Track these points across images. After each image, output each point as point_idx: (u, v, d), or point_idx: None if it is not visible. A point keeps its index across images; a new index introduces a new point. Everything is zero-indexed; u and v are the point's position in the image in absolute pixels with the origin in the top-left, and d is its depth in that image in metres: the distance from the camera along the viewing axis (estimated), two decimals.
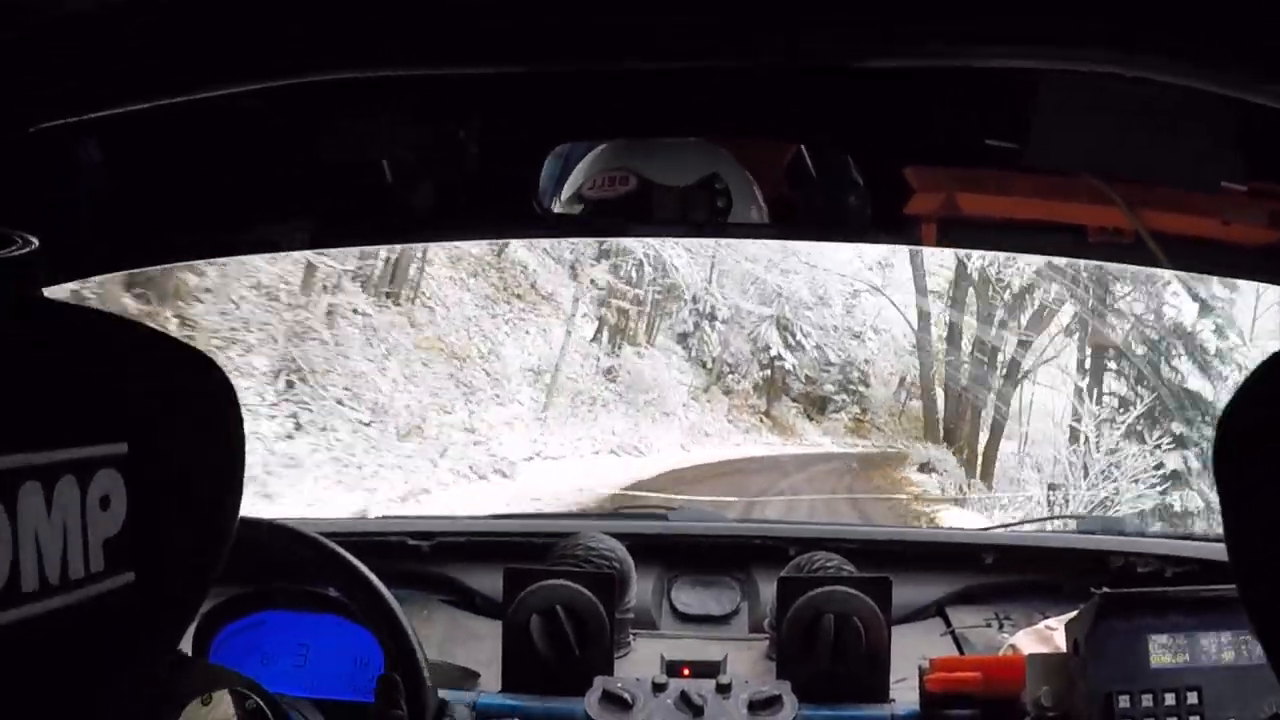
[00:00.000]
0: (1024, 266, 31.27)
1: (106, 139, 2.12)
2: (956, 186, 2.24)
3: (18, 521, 0.75)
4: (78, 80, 1.54)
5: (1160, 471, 25.35)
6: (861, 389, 42.21)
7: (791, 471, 31.44)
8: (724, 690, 2.45)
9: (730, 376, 39.21)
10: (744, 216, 2.38)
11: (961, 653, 2.97)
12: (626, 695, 2.43)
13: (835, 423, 41.04)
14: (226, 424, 1.01)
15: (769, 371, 39.65)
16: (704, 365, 38.20)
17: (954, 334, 36.95)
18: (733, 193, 2.36)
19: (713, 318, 38.05)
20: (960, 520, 26.70)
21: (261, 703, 1.94)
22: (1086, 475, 26.60)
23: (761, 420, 39.12)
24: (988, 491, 32.19)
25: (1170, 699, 2.25)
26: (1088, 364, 31.39)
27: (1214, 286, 24.24)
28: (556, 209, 2.41)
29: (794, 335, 39.36)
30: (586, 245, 28.88)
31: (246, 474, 1.09)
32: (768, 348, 39.19)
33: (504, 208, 2.44)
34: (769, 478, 29.47)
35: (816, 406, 41.46)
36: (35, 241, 1.38)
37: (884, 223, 2.33)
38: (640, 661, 2.88)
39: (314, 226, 2.49)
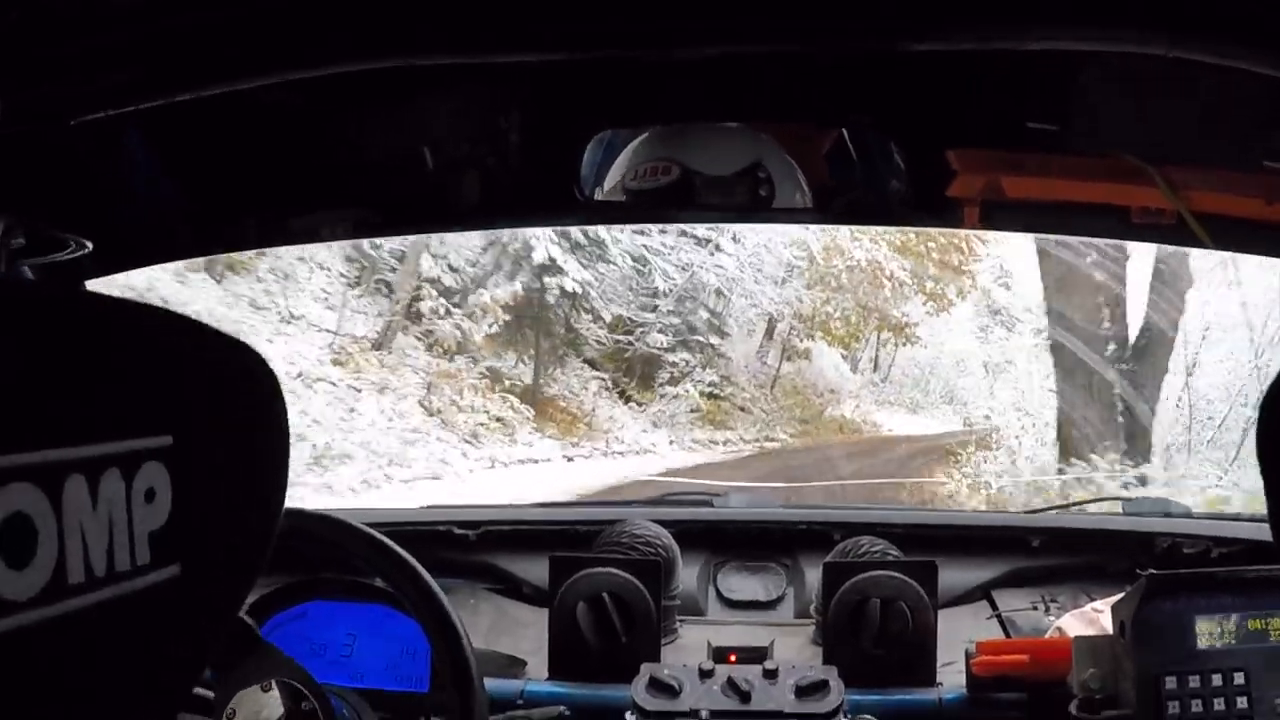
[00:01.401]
0: None
1: (151, 132, 2.14)
2: (999, 169, 2.24)
3: (63, 515, 0.75)
4: (116, 73, 1.55)
5: None
6: (714, 341, 25.59)
7: None
8: (771, 675, 2.45)
9: (446, 317, 20.36)
10: (788, 202, 2.37)
11: (1008, 636, 2.96)
12: (674, 682, 2.43)
13: (674, 404, 24.23)
14: (271, 416, 1.02)
15: (534, 302, 21.64)
16: (385, 287, 20.61)
17: None
18: (776, 179, 2.35)
19: None
20: None
21: (308, 693, 1.95)
22: None
23: (519, 405, 20.82)
24: None
25: (1217, 679, 2.25)
26: None
27: None
28: (598, 196, 2.41)
29: (585, 233, 21.03)
30: None
31: None
32: (527, 254, 20.71)
33: (546, 195, 2.45)
34: None
35: (636, 375, 24.26)
36: (89, 245, 1.39)
37: (927, 206, 2.33)
38: (687, 648, 2.89)
39: (356, 216, 2.51)
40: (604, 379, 24.03)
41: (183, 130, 2.14)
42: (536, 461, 20.20)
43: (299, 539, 2.16)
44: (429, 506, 3.76)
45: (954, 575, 3.07)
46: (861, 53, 2.03)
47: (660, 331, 24.54)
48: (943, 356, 29.42)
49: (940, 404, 29.86)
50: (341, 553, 2.23)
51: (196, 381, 0.93)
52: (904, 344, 28.75)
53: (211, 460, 0.93)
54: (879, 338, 29.33)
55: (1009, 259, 24.50)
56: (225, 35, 1.52)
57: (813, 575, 3.09)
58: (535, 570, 3.11)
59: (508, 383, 21.50)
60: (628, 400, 24.25)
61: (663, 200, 2.34)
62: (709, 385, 25.45)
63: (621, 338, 24.20)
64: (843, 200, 2.46)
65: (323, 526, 2.19)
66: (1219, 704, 2.24)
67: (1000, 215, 2.35)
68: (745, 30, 1.55)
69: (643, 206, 2.40)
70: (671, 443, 23.78)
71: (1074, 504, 5.30)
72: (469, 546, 3.28)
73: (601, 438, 22.57)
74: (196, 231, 2.49)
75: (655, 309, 24.38)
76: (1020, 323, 25.66)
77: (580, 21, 1.52)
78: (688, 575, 3.15)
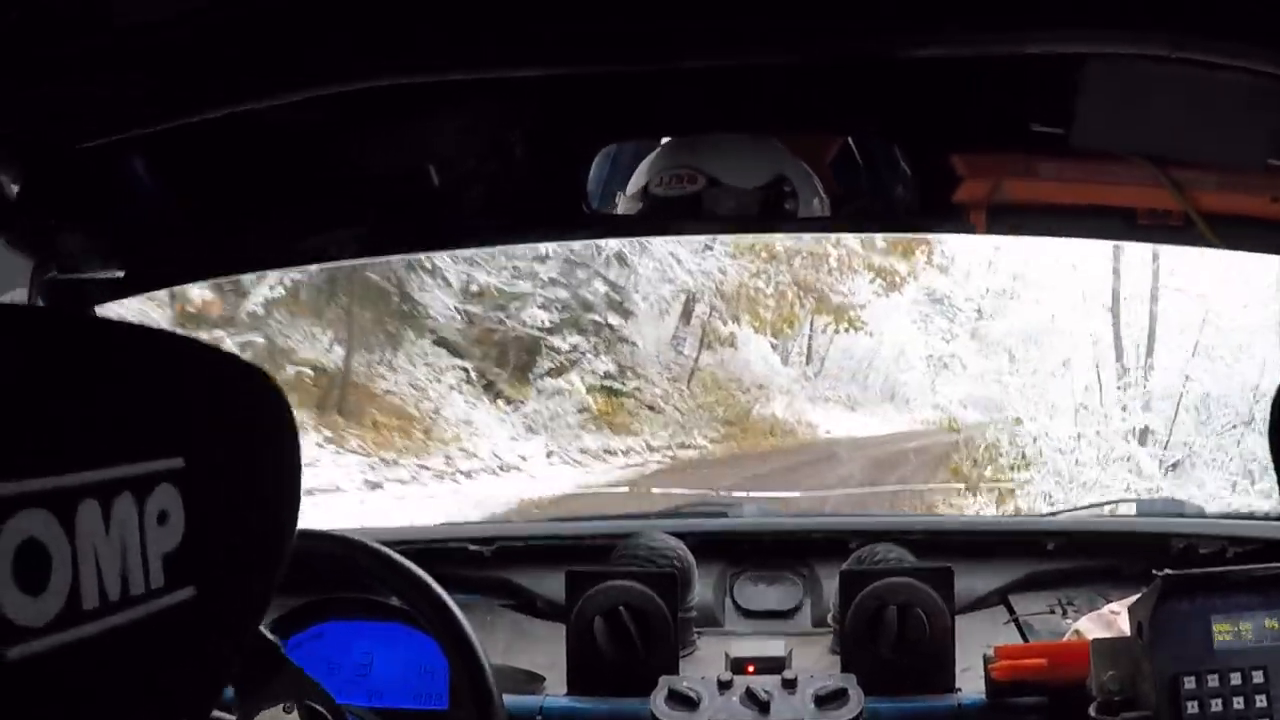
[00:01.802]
0: None
1: (159, 155, 2.14)
2: (1005, 173, 2.24)
3: (76, 540, 0.76)
4: (123, 96, 1.56)
5: None
6: (614, 322, 21.39)
7: None
8: (790, 685, 2.45)
9: None
10: (807, 211, 2.38)
11: (1025, 640, 2.96)
12: (692, 694, 2.44)
13: (556, 401, 20.25)
14: (282, 436, 1.02)
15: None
16: None
17: None
18: (799, 192, 2.36)
19: None
20: None
21: (329, 714, 1.96)
22: None
23: (299, 405, 15.56)
24: None
25: (1236, 679, 2.25)
26: None
27: None
28: (616, 208, 2.42)
29: None
30: None
31: None
32: None
33: (553, 210, 2.45)
34: None
35: (509, 364, 20.43)
36: (120, 274, 1.37)
37: (934, 211, 2.34)
38: (705, 660, 2.88)
39: (364, 236, 2.51)
40: (466, 368, 19.63)
41: (191, 153, 2.15)
42: (312, 493, 12.19)
43: (313, 559, 2.17)
44: (444, 524, 3.77)
45: (970, 580, 3.07)
46: (864, 60, 2.03)
47: (542, 307, 20.00)
48: (883, 347, 26.39)
49: (880, 401, 27.00)
50: (357, 572, 2.23)
51: (206, 403, 0.94)
52: (846, 329, 24.89)
53: (223, 481, 0.94)
54: (813, 323, 25.41)
55: (949, 241, 21.24)
56: (231, 56, 1.53)
57: (829, 584, 3.09)
58: (551, 585, 3.11)
59: (293, 370, 16.73)
60: (496, 397, 19.90)
61: (686, 210, 2.34)
62: (605, 378, 20.98)
63: (488, 314, 19.65)
64: (851, 208, 2.47)
65: (337, 546, 2.20)
66: (1238, 703, 2.24)
67: (1007, 219, 2.35)
68: (747, 40, 1.55)
69: (658, 217, 2.41)
70: (551, 454, 19.52)
71: (1089, 506, 5.31)
72: (483, 563, 3.29)
73: (441, 450, 18.07)
74: (205, 255, 2.50)
75: (534, 276, 20.04)
76: (960, 313, 23.72)
77: (582, 35, 1.53)
78: (704, 587, 3.15)
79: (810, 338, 26.42)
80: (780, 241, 21.06)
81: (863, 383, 27.25)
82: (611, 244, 19.37)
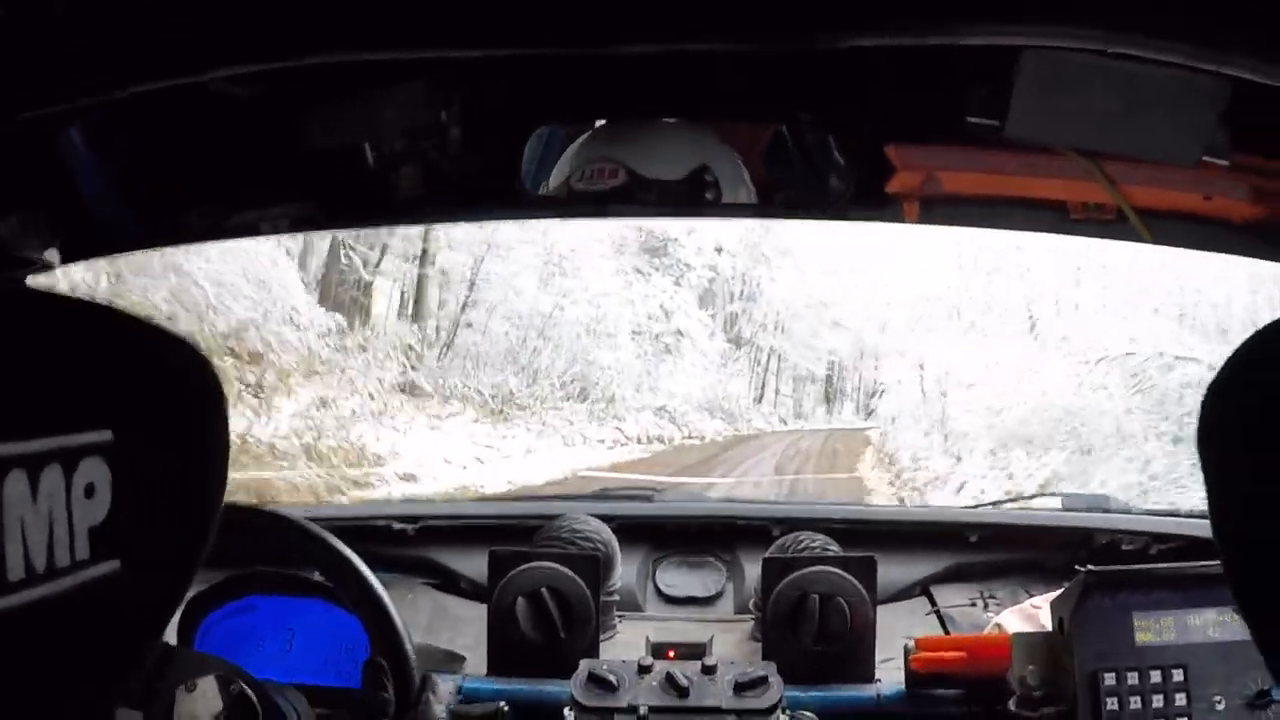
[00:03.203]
0: None
1: (94, 126, 2.12)
2: (938, 164, 2.24)
3: (3, 510, 0.76)
4: (63, 68, 1.54)
5: None
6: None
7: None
8: (709, 672, 2.45)
9: None
10: (733, 198, 2.37)
11: (947, 632, 2.98)
12: (612, 677, 2.43)
13: None
14: (211, 410, 1.02)
15: None
16: None
17: None
18: (720, 178, 2.35)
19: None
20: None
21: (247, 689, 1.94)
22: None
23: None
24: None
25: (1156, 676, 2.26)
26: None
27: None
28: (540, 191, 2.40)
29: None
30: None
31: None
32: None
33: (488, 190, 2.44)
34: None
35: None
36: (56, 262, 1.36)
37: (867, 201, 2.33)
38: (626, 644, 2.89)
39: (297, 211, 2.49)
40: None
41: (125, 124, 2.13)
42: None
43: (237, 533, 2.15)
44: (369, 501, 3.77)
45: (893, 571, 3.09)
46: (798, 49, 2.03)
47: None
48: (574, 306, 17.26)
49: (564, 399, 18.09)
50: (281, 546, 2.22)
51: (137, 377, 0.93)
52: None
53: (151, 455, 0.93)
54: None
55: None
56: (170, 29, 1.51)
57: (752, 571, 3.10)
58: (474, 565, 3.12)
59: None
60: None
61: (621, 194, 2.33)
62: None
63: None
64: (783, 195, 2.46)
65: (260, 520, 2.19)
66: (1157, 700, 2.25)
67: (939, 210, 2.36)
68: (683, 27, 1.54)
69: (592, 200, 2.40)
70: None
71: (1013, 499, 5.34)
72: (407, 541, 3.28)
73: None
74: (137, 226, 2.47)
75: None
76: (692, 270, 17.92)
77: (519, 18, 1.52)
78: (627, 571, 3.17)
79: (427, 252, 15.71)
80: None
81: (529, 366, 18.21)
82: None
